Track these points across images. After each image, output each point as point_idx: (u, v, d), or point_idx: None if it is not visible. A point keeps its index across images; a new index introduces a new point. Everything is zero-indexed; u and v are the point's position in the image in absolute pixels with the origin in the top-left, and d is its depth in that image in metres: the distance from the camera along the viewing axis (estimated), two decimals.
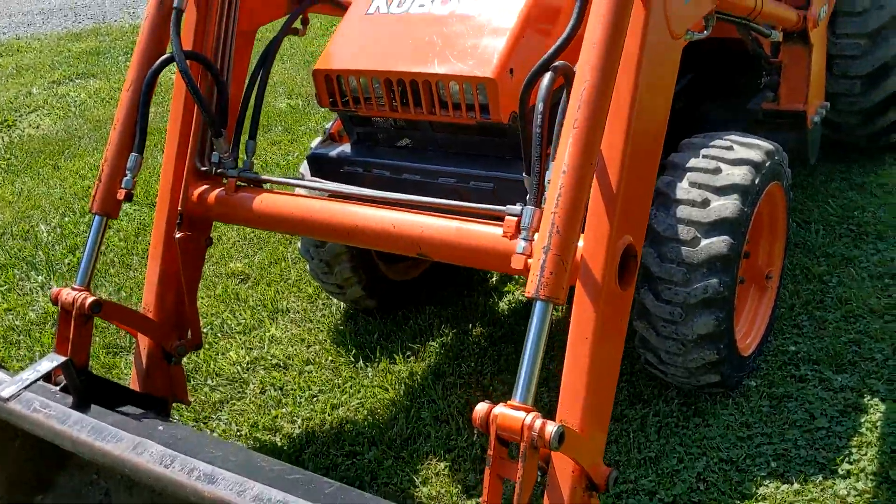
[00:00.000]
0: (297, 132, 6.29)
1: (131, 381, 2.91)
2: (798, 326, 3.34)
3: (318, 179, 2.84)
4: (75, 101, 7.91)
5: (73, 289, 2.66)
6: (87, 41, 10.24)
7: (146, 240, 4.79)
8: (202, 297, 4.15)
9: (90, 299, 2.61)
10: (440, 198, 2.76)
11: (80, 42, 10.21)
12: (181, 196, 2.92)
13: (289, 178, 2.91)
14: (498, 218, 2.36)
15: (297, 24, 3.38)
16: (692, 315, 2.72)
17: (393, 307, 3.78)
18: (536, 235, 2.02)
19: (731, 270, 2.73)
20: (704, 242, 2.70)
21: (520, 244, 2.10)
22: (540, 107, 2.07)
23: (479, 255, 2.39)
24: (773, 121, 3.62)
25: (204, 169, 2.94)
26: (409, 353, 3.51)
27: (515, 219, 2.30)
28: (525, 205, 2.32)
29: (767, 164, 2.88)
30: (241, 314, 3.99)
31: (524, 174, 2.31)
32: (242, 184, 2.91)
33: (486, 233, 2.38)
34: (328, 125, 3.19)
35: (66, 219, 5.33)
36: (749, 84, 3.87)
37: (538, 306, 1.91)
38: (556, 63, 2.12)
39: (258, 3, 3.15)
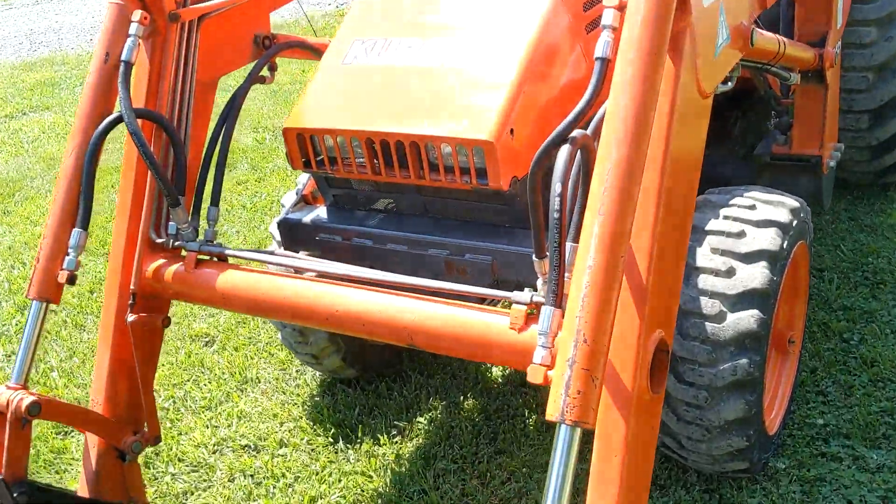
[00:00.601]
0: (263, 170, 5.93)
1: (80, 486, 2.53)
2: (823, 393, 3.05)
3: (290, 254, 2.49)
4: (28, 136, 7.50)
5: (8, 387, 2.30)
6: (42, 71, 9.80)
7: (101, 296, 4.40)
8: (162, 365, 3.78)
9: (28, 400, 2.25)
10: (430, 272, 2.44)
11: (34, 72, 9.78)
12: (133, 273, 2.56)
13: (257, 248, 2.55)
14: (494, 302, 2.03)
15: (265, 72, 3.04)
16: (719, 399, 2.41)
17: (375, 377, 3.43)
18: (558, 339, 1.69)
19: (762, 348, 2.43)
20: (732, 318, 2.39)
21: (538, 352, 1.76)
22: (557, 188, 1.74)
23: (481, 349, 2.06)
24: (783, 166, 3.33)
25: (160, 241, 2.59)
26: (394, 431, 3.16)
27: (524, 308, 1.98)
28: (534, 290, 2.01)
29: (794, 224, 2.58)
30: (205, 385, 3.62)
31: (534, 255, 1.97)
32: (204, 258, 2.56)
33: (488, 323, 2.05)
34: (300, 184, 2.85)
35: (16, 272, 4.91)
36: (750, 128, 3.59)
37: (563, 431, 1.59)
38: (574, 133, 1.80)
39: (219, 50, 2.81)
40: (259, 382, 3.59)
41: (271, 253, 2.49)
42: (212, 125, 2.74)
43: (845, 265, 3.72)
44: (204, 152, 2.65)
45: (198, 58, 2.70)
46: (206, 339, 3.97)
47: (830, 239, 3.94)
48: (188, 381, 3.68)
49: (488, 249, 2.35)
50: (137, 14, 2.48)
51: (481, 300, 2.22)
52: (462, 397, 3.28)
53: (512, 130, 2.23)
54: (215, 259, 2.57)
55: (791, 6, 3.13)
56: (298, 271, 2.43)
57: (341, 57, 2.58)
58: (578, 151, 1.80)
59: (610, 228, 1.63)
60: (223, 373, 3.69)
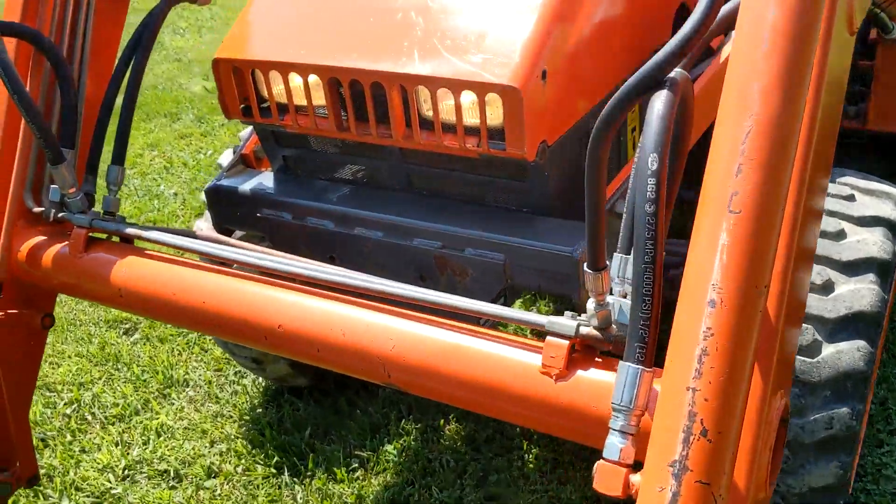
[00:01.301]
0: (212, 123, 5.14)
1: None
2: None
3: (218, 239, 1.77)
4: None
5: None
6: None
7: None
8: (68, 357, 3.05)
9: None
10: (414, 270, 1.76)
11: None
12: (0, 254, 1.83)
13: (170, 228, 1.83)
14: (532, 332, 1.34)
15: None
16: (805, 460, 1.76)
17: (333, 387, 2.73)
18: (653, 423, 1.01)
19: (865, 393, 1.78)
20: (829, 351, 1.73)
21: (613, 442, 1.07)
22: (652, 161, 1.03)
23: (495, 401, 1.36)
24: (850, 145, 2.68)
25: (37, 211, 1.85)
26: (355, 463, 2.47)
27: (565, 343, 1.29)
28: (576, 315, 1.32)
29: None
30: (119, 387, 2.89)
31: (585, 265, 1.26)
32: (99, 236, 1.83)
33: (508, 360, 1.35)
34: (241, 140, 2.13)
35: None
36: None
37: None
38: (675, 73, 1.09)
39: None
40: (187, 386, 2.88)
41: (192, 235, 1.77)
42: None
43: None
44: (107, 90, 1.90)
45: None
46: (127, 327, 3.23)
47: None
48: (99, 379, 2.95)
49: (499, 244, 1.66)
50: None
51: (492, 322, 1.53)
52: (443, 420, 2.59)
53: (545, 73, 1.53)
54: (114, 239, 1.84)
55: None
56: (228, 263, 1.71)
57: None
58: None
59: (748, 235, 0.95)
60: (143, 372, 2.96)
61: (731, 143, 0.97)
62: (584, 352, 1.32)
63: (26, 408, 1.97)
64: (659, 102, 1.05)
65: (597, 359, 1.32)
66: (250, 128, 2.12)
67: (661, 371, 1.00)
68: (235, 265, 1.68)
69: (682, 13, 2.08)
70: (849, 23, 1.26)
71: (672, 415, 0.94)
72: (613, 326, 1.27)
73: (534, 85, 1.50)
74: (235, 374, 2.91)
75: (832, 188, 1.94)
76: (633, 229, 1.05)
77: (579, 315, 1.32)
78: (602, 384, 1.27)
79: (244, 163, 2.07)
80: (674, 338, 0.97)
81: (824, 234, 1.82)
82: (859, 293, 1.75)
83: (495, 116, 1.55)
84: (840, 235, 1.83)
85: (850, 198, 1.92)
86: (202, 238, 1.75)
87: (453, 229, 1.71)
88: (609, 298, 1.25)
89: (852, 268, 1.79)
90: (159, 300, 1.67)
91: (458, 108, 1.56)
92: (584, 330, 1.29)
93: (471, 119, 1.58)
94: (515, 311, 1.38)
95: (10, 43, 1.81)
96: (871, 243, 1.81)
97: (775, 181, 0.96)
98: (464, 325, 1.43)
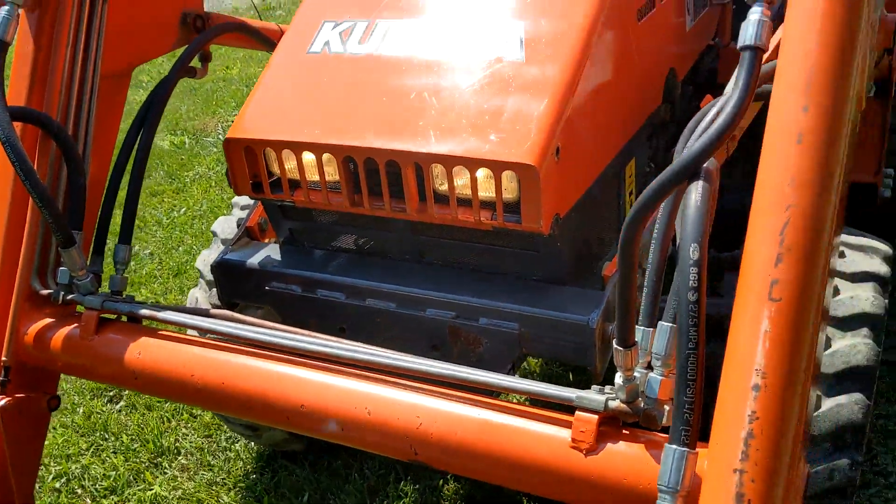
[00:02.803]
0: (182, 179, 5.13)
1: None
2: (883, 474, 2.50)
3: (232, 316, 1.78)
4: None
5: None
6: None
7: None
8: (53, 427, 3.00)
9: None
10: (427, 341, 1.79)
11: None
12: (7, 338, 1.82)
13: (182, 307, 1.83)
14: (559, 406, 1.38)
15: (195, 62, 2.33)
16: None
17: (326, 450, 2.73)
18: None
19: (863, 444, 1.84)
20: (829, 405, 1.80)
21: None
22: (693, 252, 1.08)
23: (526, 476, 1.39)
24: None
25: (45, 293, 1.85)
26: None
27: (594, 417, 1.33)
28: (603, 388, 1.37)
29: (888, 278, 2.02)
30: (109, 458, 2.85)
31: (615, 342, 1.30)
32: (109, 316, 1.83)
33: (538, 435, 1.39)
34: (237, 207, 2.15)
35: None
36: None
37: None
38: (709, 163, 1.15)
39: (134, 32, 2.09)
40: (178, 455, 2.85)
41: (206, 314, 1.78)
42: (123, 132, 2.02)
43: None
44: (111, 170, 1.92)
45: (104, 42, 1.97)
46: (111, 395, 3.19)
47: None
48: (87, 451, 2.91)
49: (513, 313, 1.70)
50: None
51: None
52: (441, 480, 2.60)
53: (558, 150, 1.58)
54: (124, 319, 1.85)
55: None
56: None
57: (306, 44, 1.88)
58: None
59: (788, 324, 1.00)
60: (132, 441, 2.92)
61: (770, 234, 1.03)
62: (609, 424, 1.36)
63: (31, 486, 1.94)
64: (696, 193, 1.11)
65: (624, 431, 1.36)
66: (246, 199, 2.15)
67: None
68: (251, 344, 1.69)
69: (672, 77, 2.17)
70: (859, 102, 1.34)
71: (720, 496, 0.98)
72: (640, 400, 1.32)
73: (549, 162, 1.56)
74: (227, 439, 2.88)
75: None
76: (676, 317, 1.10)
77: (602, 385, 1.37)
78: (632, 457, 1.32)
79: (249, 235, 2.08)
80: (719, 420, 1.02)
81: None
82: (855, 348, 1.83)
83: (510, 191, 1.60)
84: (834, 292, 1.91)
85: (841, 255, 2.00)
86: (216, 317, 1.76)
87: (466, 299, 1.75)
88: (636, 372, 1.30)
89: (847, 323, 1.86)
90: (177, 382, 1.68)
91: (473, 184, 1.61)
92: (612, 404, 1.33)
93: (485, 193, 1.62)
94: (543, 385, 1.42)
95: (16, 126, 1.82)
96: (863, 299, 1.89)
97: (813, 269, 1.02)
98: (489, 400, 1.47)
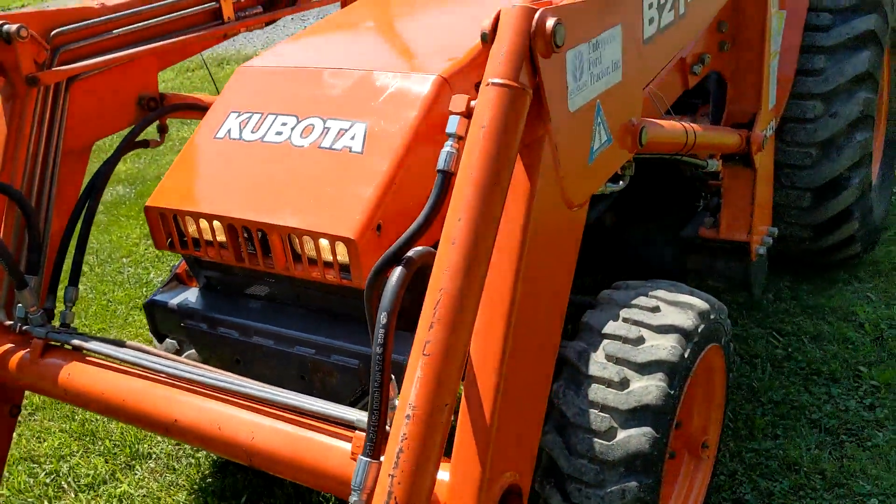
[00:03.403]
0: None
1: None
2: (740, 501, 2.82)
3: (141, 348, 2.26)
4: None
5: None
6: None
7: None
8: (52, 432, 3.53)
9: None
10: (296, 372, 2.22)
11: None
12: None
13: (108, 338, 2.32)
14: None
15: (152, 134, 2.84)
16: None
17: None
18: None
19: (656, 470, 2.20)
20: (622, 435, 2.17)
21: None
22: (382, 318, 1.52)
23: (321, 479, 1.83)
24: (712, 249, 3.14)
25: (8, 324, 2.36)
26: None
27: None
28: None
29: (700, 330, 2.37)
30: (93, 459, 3.37)
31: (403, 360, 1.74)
32: (56, 344, 2.33)
33: (328, 447, 1.82)
34: (175, 263, 2.63)
35: None
36: (687, 203, 3.40)
37: None
38: (413, 252, 1.58)
39: (94, 114, 2.60)
40: (149, 459, 3.34)
41: (121, 345, 2.26)
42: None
43: (779, 352, 3.51)
44: (64, 232, 2.43)
45: (66, 122, 2.49)
46: None
47: (770, 321, 3.73)
48: (77, 452, 3.43)
49: (355, 352, 2.14)
50: None
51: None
52: None
53: (380, 227, 2.02)
54: (67, 346, 2.34)
55: (721, 85, 2.95)
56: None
57: (214, 130, 2.37)
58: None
59: (434, 371, 1.41)
60: (114, 446, 3.44)
61: (429, 306, 1.44)
62: None
63: None
64: (395, 277, 1.54)
65: None
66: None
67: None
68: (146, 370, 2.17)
69: None
70: (566, 201, 1.73)
71: (381, 490, 1.39)
72: None
73: (369, 235, 1.99)
74: (193, 448, 3.37)
75: (642, 300, 2.39)
76: (372, 370, 1.53)
77: None
78: None
79: (178, 280, 2.57)
80: (389, 442, 1.44)
81: (626, 340, 2.27)
82: (647, 389, 2.19)
83: (343, 256, 2.04)
84: (639, 342, 2.27)
85: (656, 309, 2.36)
86: (129, 348, 2.24)
87: (323, 339, 2.19)
88: None
89: (644, 368, 2.23)
90: (90, 398, 2.16)
91: (317, 249, 2.05)
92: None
93: (328, 256, 2.07)
94: (337, 408, 1.85)
95: None
96: (662, 348, 2.26)
97: (456, 335, 1.42)
98: (307, 419, 1.90)
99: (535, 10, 1.51)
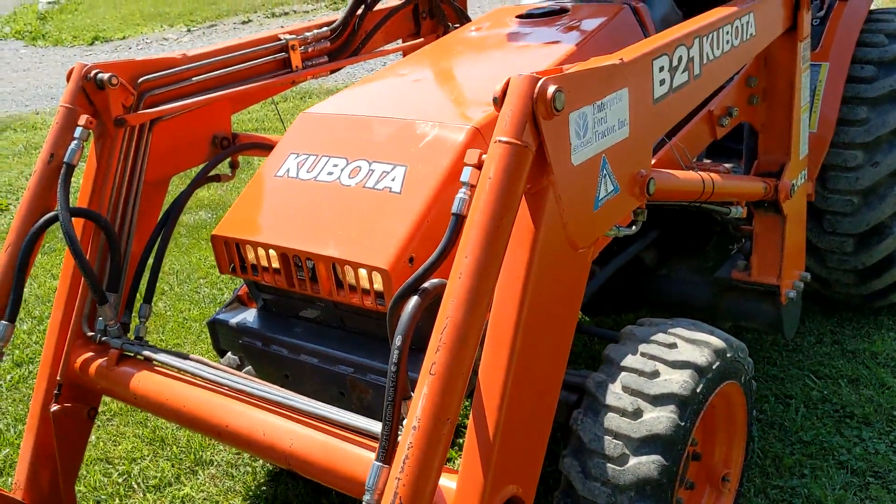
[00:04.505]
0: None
1: None
2: None
3: (202, 361, 2.54)
4: None
5: None
6: None
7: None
8: (127, 437, 3.86)
9: None
10: (337, 389, 2.46)
11: None
12: (62, 363, 2.65)
13: (176, 352, 2.61)
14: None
15: (224, 169, 3.15)
16: None
17: None
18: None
19: (664, 497, 2.35)
20: (633, 462, 2.33)
21: None
22: (398, 341, 1.76)
23: (347, 482, 2.05)
24: (745, 290, 3.26)
25: (90, 335, 2.67)
26: None
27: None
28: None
29: (715, 367, 2.51)
30: (161, 463, 3.68)
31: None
32: (129, 354, 2.63)
33: (355, 455, 2.05)
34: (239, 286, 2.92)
35: None
36: (721, 245, 3.53)
37: None
38: (428, 284, 1.81)
39: (172, 151, 2.92)
40: (211, 465, 3.63)
41: (185, 357, 2.55)
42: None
43: (815, 394, 3.59)
44: (141, 255, 2.74)
45: (148, 158, 2.81)
46: None
47: (809, 363, 3.82)
48: (147, 456, 3.74)
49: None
50: (83, 118, 2.60)
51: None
52: None
53: (412, 259, 2.25)
54: (140, 357, 2.64)
55: (754, 135, 3.10)
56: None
57: (275, 169, 2.65)
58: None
59: (439, 390, 1.63)
60: (180, 452, 3.74)
61: (437, 331, 1.66)
62: None
63: (74, 479, 2.74)
64: (410, 305, 1.77)
65: None
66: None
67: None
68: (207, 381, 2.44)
69: None
70: (571, 243, 1.93)
71: (388, 493, 1.61)
72: None
73: (402, 267, 2.23)
74: (251, 457, 3.64)
75: (661, 336, 2.55)
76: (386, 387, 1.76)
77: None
78: None
79: (239, 301, 2.85)
80: (398, 450, 1.65)
81: (642, 374, 2.44)
82: (659, 420, 2.36)
83: (379, 285, 2.28)
84: (654, 375, 2.44)
85: (672, 345, 2.53)
86: (193, 360, 2.53)
87: (361, 359, 2.42)
88: None
89: (658, 400, 2.39)
90: (156, 403, 2.45)
91: (356, 278, 2.30)
92: None
93: (365, 285, 2.31)
94: (363, 421, 2.08)
95: (79, 221, 2.66)
96: (675, 382, 2.42)
97: (458, 358, 1.64)
98: (339, 429, 2.13)
99: (539, 79, 1.73)
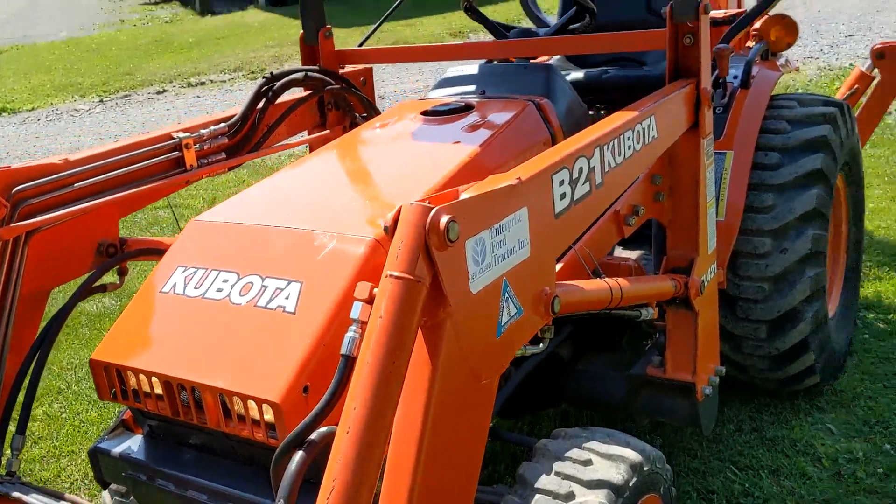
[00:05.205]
0: None
1: None
2: None
3: (79, 501, 2.31)
4: None
5: None
6: None
7: None
8: None
9: None
10: None
11: None
12: None
13: (50, 490, 2.37)
14: None
15: (112, 278, 2.94)
16: None
17: None
18: None
19: None
20: None
21: None
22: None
23: None
24: (661, 386, 3.18)
25: None
26: None
27: None
28: None
29: (633, 483, 2.39)
30: None
31: None
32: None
33: None
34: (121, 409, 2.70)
35: None
36: (635, 340, 3.47)
37: None
38: (315, 435, 1.65)
39: (52, 263, 2.71)
40: None
41: (60, 497, 2.31)
42: None
43: (737, 487, 3.51)
44: (13, 382, 2.51)
45: (25, 271, 2.59)
46: None
47: (730, 453, 3.75)
48: None
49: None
50: None
51: None
52: None
53: (307, 388, 2.09)
54: (10, 497, 2.39)
55: (661, 231, 3.06)
56: None
57: (161, 283, 2.47)
58: None
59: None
60: None
61: (323, 497, 1.50)
62: None
63: None
64: (294, 463, 1.61)
65: None
66: None
67: None
68: None
69: None
70: (473, 376, 1.81)
71: None
72: None
73: (294, 399, 2.06)
74: None
75: (576, 453, 2.43)
76: None
77: None
78: None
79: (124, 425, 2.62)
80: None
81: (557, 496, 2.30)
82: None
83: (271, 417, 2.10)
84: (569, 497, 2.31)
85: (587, 462, 2.40)
86: (67, 501, 2.29)
87: (253, 496, 2.22)
88: None
89: None
90: None
91: (246, 409, 2.12)
92: None
93: (257, 416, 2.13)
94: None
95: None
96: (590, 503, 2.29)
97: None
98: None
99: (431, 209, 1.62)
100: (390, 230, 1.65)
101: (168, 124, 13.13)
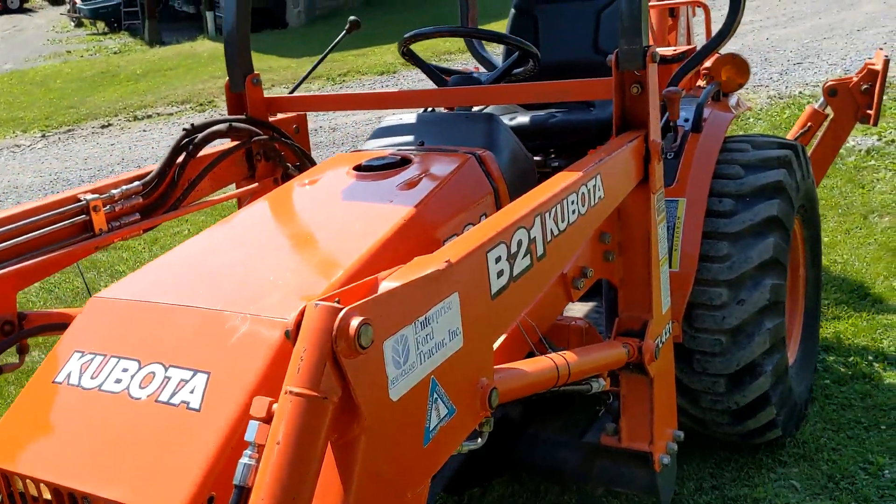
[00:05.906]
0: None
1: None
2: None
3: None
4: None
5: None
6: None
7: None
8: None
9: None
10: None
11: None
12: None
13: None
14: None
15: (12, 358, 2.65)
16: None
17: None
18: None
19: None
20: None
21: None
22: None
23: None
24: (617, 454, 2.97)
25: None
26: None
27: None
28: None
29: None
30: None
31: None
32: None
33: None
34: None
35: None
36: (588, 403, 3.26)
37: None
38: None
39: None
40: None
41: None
42: None
43: None
44: None
45: None
46: None
47: None
48: None
49: None
50: None
51: None
52: None
53: (212, 498, 1.83)
54: None
55: (612, 292, 2.86)
56: None
57: (55, 372, 2.19)
58: None
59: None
60: None
61: None
62: None
63: None
64: None
65: None
66: None
67: None
68: None
69: None
70: (397, 493, 1.57)
71: None
72: None
73: None
74: None
75: None
76: None
77: None
78: None
79: None
80: None
81: None
82: None
83: None
84: None
85: None
86: None
87: None
88: None
89: None
90: None
91: None
92: None
93: None
94: None
95: None
96: None
97: None
98: None
99: (339, 310, 1.39)
100: (292, 335, 1.42)
101: (112, 159, 12.78)
